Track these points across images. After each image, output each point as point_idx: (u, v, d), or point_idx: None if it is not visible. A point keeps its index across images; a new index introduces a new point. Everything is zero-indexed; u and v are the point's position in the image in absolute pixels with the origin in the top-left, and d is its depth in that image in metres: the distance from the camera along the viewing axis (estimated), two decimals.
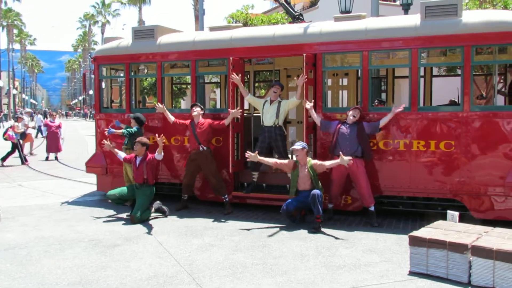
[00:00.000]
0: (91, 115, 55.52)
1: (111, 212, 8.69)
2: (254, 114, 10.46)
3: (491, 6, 12.01)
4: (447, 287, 4.94)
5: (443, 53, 9.18)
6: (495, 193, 7.05)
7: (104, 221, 8.00)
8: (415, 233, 5.48)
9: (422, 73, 9.24)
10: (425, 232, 5.50)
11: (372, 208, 7.53)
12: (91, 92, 41.96)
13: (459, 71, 7.95)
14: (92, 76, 10.31)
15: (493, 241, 5.13)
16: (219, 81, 12.73)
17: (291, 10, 9.52)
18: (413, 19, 7.66)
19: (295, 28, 8.48)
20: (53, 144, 17.46)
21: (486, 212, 7.15)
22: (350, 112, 7.55)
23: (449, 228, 5.59)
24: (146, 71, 11.36)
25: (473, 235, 5.32)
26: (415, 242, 5.35)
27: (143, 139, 8.35)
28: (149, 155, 8.19)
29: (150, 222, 7.86)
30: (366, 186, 7.47)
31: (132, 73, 9.93)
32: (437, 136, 7.41)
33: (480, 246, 4.99)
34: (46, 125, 17.78)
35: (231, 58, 8.35)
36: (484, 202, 7.14)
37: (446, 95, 11.76)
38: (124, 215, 8.35)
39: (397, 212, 8.07)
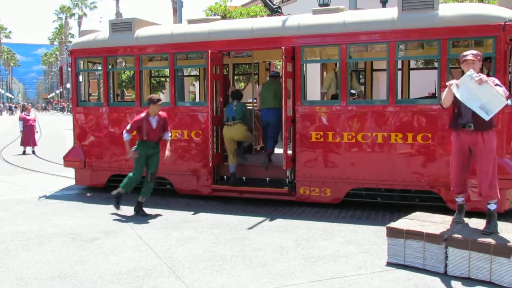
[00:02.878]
0: (69, 109, 54.84)
1: (90, 205, 8.62)
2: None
3: None
4: (424, 277, 5.01)
5: (420, 46, 9.27)
6: (470, 185, 7.15)
7: (82, 215, 7.93)
8: (393, 224, 5.55)
9: (400, 66, 9.34)
10: (402, 223, 5.57)
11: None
12: (68, 85, 41.41)
13: (436, 64, 8.03)
14: (69, 69, 10.18)
15: (469, 231, 5.23)
16: (198, 74, 12.67)
17: (270, 3, 9.51)
18: (390, 13, 7.72)
19: (274, 21, 8.48)
20: (30, 138, 17.21)
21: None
22: None
23: (426, 220, 5.67)
24: (124, 64, 11.26)
25: (449, 226, 5.41)
26: (393, 233, 5.42)
27: (154, 96, 8.08)
28: (161, 114, 8.01)
29: (130, 215, 7.81)
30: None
31: (110, 67, 9.81)
32: (415, 129, 7.50)
33: (456, 237, 5.08)
34: (22, 119, 17.48)
35: (209, 51, 8.32)
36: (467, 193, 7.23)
37: (426, 87, 11.91)
38: (103, 209, 8.29)
39: (375, 204, 8.16)
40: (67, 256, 5.84)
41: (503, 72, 7.08)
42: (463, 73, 5.44)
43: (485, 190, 5.36)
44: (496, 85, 5.24)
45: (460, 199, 5.69)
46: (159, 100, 7.90)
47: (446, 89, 5.40)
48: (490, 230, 5.16)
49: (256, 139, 10.74)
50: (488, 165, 5.33)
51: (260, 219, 7.48)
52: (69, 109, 55.19)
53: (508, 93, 5.38)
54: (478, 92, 5.14)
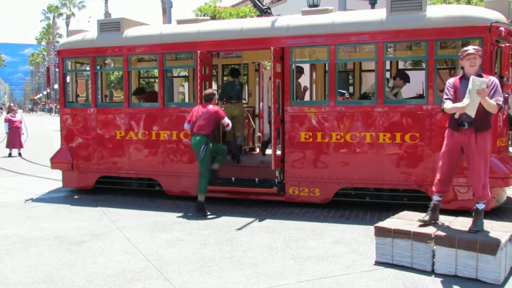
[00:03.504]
0: (56, 110, 54.44)
1: (78, 208, 8.55)
2: (223, 108, 10.42)
3: (455, 1, 12.27)
4: (412, 276, 5.04)
5: (408, 47, 9.33)
6: (458, 184, 7.22)
7: (70, 218, 7.87)
8: (381, 224, 5.58)
9: (388, 67, 9.38)
10: (390, 222, 5.61)
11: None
12: (56, 86, 41.12)
13: (424, 65, 8.08)
14: (57, 70, 10.10)
15: (455, 230, 5.27)
16: (187, 75, 12.63)
17: (259, 4, 9.51)
18: (379, 14, 7.76)
19: (263, 22, 8.49)
20: (16, 140, 17.05)
21: (450, 202, 7.31)
22: None
23: (413, 219, 5.70)
24: (112, 64, 11.20)
25: (436, 225, 5.45)
26: (381, 232, 5.45)
27: (208, 90, 8.21)
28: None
29: (118, 218, 7.77)
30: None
31: (98, 67, 9.77)
32: (403, 129, 7.54)
33: (443, 235, 5.12)
34: (8, 120, 17.30)
35: (198, 51, 8.31)
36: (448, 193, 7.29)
37: (414, 88, 11.97)
38: (91, 211, 8.24)
39: (364, 204, 8.19)
40: (53, 260, 5.78)
41: (489, 73, 7.12)
42: (463, 68, 5.47)
43: (478, 192, 5.38)
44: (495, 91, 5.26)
45: (437, 198, 5.63)
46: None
47: (458, 104, 5.25)
48: (477, 229, 5.20)
49: (245, 139, 10.73)
50: (480, 167, 5.35)
51: (249, 219, 7.47)
52: (56, 110, 54.77)
53: (502, 99, 5.39)
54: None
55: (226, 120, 8.14)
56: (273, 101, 8.00)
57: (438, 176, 5.64)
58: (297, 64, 8.86)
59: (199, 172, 8.01)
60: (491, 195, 5.60)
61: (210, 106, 7.99)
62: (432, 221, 5.51)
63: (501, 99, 5.29)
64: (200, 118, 7.93)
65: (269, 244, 6.21)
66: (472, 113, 5.17)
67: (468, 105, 5.12)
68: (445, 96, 5.47)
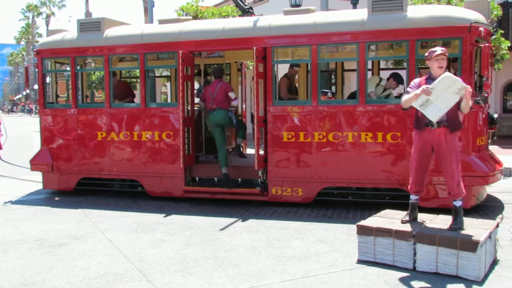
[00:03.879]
0: (37, 111, 53.77)
1: (59, 210, 8.45)
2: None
3: (435, 1, 12.39)
4: (393, 274, 5.08)
5: (390, 46, 9.40)
6: (439, 182, 7.29)
7: (50, 220, 7.76)
8: (363, 222, 5.61)
9: (370, 66, 9.44)
10: (372, 221, 5.64)
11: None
12: (36, 86, 40.62)
13: (405, 65, 8.15)
14: (36, 70, 9.96)
15: (436, 228, 5.32)
16: (169, 75, 12.56)
17: (241, 4, 9.50)
18: (360, 14, 7.80)
19: (245, 22, 8.48)
20: None
21: (431, 200, 7.39)
22: None
23: (395, 217, 5.75)
24: (93, 64, 11.09)
25: (417, 223, 5.50)
26: (363, 231, 5.48)
27: (217, 67, 8.98)
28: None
29: (99, 219, 7.69)
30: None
31: (78, 67, 9.67)
32: (384, 128, 7.60)
33: (424, 233, 5.17)
34: None
35: (180, 51, 8.27)
36: (429, 191, 7.36)
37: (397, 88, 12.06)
38: (72, 213, 8.15)
39: (347, 203, 8.23)
40: (33, 263, 5.69)
41: (469, 72, 7.23)
42: (429, 69, 5.53)
43: (453, 190, 5.45)
44: None
45: (414, 198, 5.71)
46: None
47: (414, 93, 5.32)
48: (457, 226, 5.26)
49: (228, 139, 10.70)
50: (453, 166, 5.41)
51: (232, 220, 7.46)
52: (36, 111, 54.09)
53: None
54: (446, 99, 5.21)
55: (233, 94, 8.68)
56: (255, 101, 8.00)
57: (412, 177, 5.71)
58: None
59: (218, 147, 8.61)
60: (465, 192, 5.67)
61: (219, 83, 8.63)
62: (413, 219, 5.57)
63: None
64: (215, 94, 8.55)
65: (252, 244, 6.20)
66: (439, 112, 5.23)
67: (432, 100, 5.18)
68: (407, 91, 5.57)
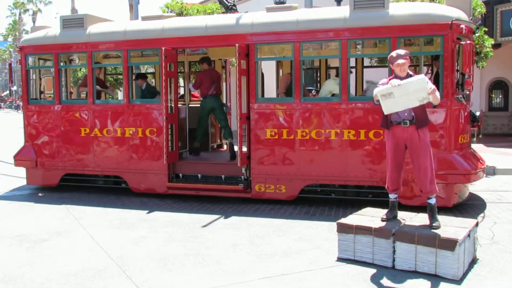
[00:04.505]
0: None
1: (42, 206, 8.40)
2: (190, 105, 10.39)
3: None
4: (372, 272, 5.10)
5: (372, 44, 9.43)
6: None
7: (33, 216, 7.73)
8: (343, 220, 5.63)
9: (353, 64, 9.47)
10: (352, 219, 5.66)
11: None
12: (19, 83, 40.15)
13: (387, 62, 8.17)
14: (19, 66, 9.89)
15: (416, 226, 5.35)
16: (154, 71, 12.51)
17: (224, 1, 9.48)
18: (342, 11, 7.81)
19: (228, 19, 8.46)
20: None
21: (413, 198, 7.43)
22: None
23: (375, 215, 5.77)
24: (77, 61, 11.02)
25: (397, 221, 5.53)
26: (343, 229, 5.50)
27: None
28: None
29: (82, 215, 7.66)
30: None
31: (62, 64, 9.60)
32: (367, 125, 7.62)
33: (404, 231, 5.20)
34: None
35: (163, 48, 8.24)
36: (412, 189, 7.40)
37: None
38: (55, 209, 8.11)
39: (329, 200, 8.26)
40: (13, 258, 5.67)
41: (450, 70, 7.28)
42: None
43: (426, 187, 5.48)
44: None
45: (393, 196, 5.73)
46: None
47: (386, 87, 5.33)
48: (437, 224, 5.28)
49: (212, 136, 10.70)
50: (426, 162, 5.45)
51: (215, 217, 7.46)
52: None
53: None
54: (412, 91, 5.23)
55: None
56: (238, 98, 7.99)
57: (388, 175, 5.74)
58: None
59: (222, 125, 9.68)
60: (438, 190, 5.71)
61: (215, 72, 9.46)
62: (393, 218, 5.60)
63: None
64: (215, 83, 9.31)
65: (233, 241, 6.21)
66: (393, 109, 5.30)
67: (394, 95, 5.22)
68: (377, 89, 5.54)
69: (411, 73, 5.53)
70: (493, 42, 12.30)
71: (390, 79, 5.52)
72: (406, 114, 5.41)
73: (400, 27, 7.38)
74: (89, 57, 9.05)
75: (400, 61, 5.40)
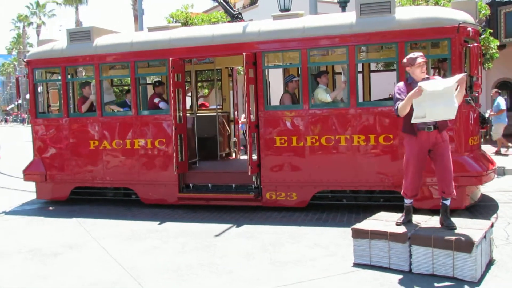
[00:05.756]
0: (29, 120, 53.42)
1: (53, 220, 8.41)
2: (198, 114, 10.40)
3: (423, 2, 12.45)
4: (390, 276, 5.07)
5: (379, 49, 9.42)
6: (432, 183, 7.29)
7: (44, 230, 7.73)
8: (358, 225, 5.60)
9: (360, 69, 9.46)
10: (367, 224, 5.63)
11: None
12: (27, 96, 40.39)
13: (395, 66, 8.16)
14: (26, 80, 9.93)
15: (431, 229, 5.32)
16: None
17: (230, 9, 9.52)
18: (349, 17, 7.82)
19: (234, 28, 8.49)
20: None
21: (425, 201, 7.39)
22: None
23: (389, 219, 5.74)
24: (83, 73, 11.07)
25: (412, 225, 5.49)
26: (358, 234, 5.47)
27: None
28: None
29: (93, 228, 7.65)
30: None
31: (69, 76, 9.65)
32: (377, 130, 7.60)
33: (419, 235, 5.16)
34: None
35: (170, 59, 8.26)
36: (423, 192, 7.36)
37: (387, 89, 12.04)
38: (66, 222, 8.11)
39: (341, 206, 8.22)
40: (27, 272, 5.67)
41: (458, 73, 7.22)
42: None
43: (450, 188, 5.47)
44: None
45: (409, 201, 5.68)
46: None
47: (409, 95, 5.21)
48: (453, 224, 5.26)
49: (221, 145, 10.70)
50: (449, 164, 5.45)
51: (227, 225, 7.44)
52: (29, 120, 53.69)
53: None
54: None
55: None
56: (247, 106, 8.00)
57: (408, 182, 5.64)
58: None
59: None
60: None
61: None
62: (408, 221, 5.57)
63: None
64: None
65: (246, 250, 6.18)
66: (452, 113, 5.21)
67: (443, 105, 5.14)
68: (396, 103, 5.44)
69: (427, 75, 5.51)
70: (498, 44, 12.29)
71: (407, 84, 5.48)
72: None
73: (407, 31, 7.37)
74: (96, 69, 9.09)
75: (420, 60, 5.36)
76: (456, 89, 5.22)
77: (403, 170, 5.83)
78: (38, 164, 9.67)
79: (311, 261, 5.65)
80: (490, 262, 5.33)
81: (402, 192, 5.77)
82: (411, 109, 5.29)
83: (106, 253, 6.31)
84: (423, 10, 7.91)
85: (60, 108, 9.95)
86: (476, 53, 6.98)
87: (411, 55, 5.50)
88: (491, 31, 12.58)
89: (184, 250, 6.28)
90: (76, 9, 50.91)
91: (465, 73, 5.18)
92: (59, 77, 9.58)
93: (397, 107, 5.39)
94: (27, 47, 73.38)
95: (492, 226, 5.49)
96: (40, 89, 10.18)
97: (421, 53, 5.49)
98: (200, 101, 13.68)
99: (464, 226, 5.35)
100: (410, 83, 5.45)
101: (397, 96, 5.48)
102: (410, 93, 5.22)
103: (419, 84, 5.15)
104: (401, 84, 5.59)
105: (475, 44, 7.02)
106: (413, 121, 5.27)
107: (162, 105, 9.04)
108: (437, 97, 5.13)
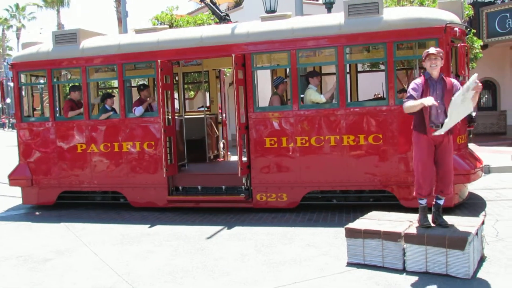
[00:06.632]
0: (10, 125, 52.64)
1: (40, 225, 8.30)
2: (186, 116, 10.37)
3: (408, 3, 12.59)
4: (384, 275, 5.10)
5: (367, 49, 9.48)
6: None
7: (32, 236, 7.62)
8: (351, 225, 5.63)
9: (348, 69, 9.50)
10: (360, 223, 5.66)
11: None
12: (8, 100, 39.79)
13: (383, 67, 8.23)
14: (11, 84, 9.80)
15: (423, 227, 5.37)
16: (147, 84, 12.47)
17: (217, 11, 9.50)
18: (337, 18, 7.86)
19: (223, 29, 8.48)
20: None
21: (415, 200, 7.42)
22: None
23: (382, 218, 5.79)
24: (69, 76, 10.95)
25: (405, 223, 5.54)
26: (351, 233, 5.50)
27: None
28: None
29: (83, 233, 7.57)
30: None
31: (55, 79, 9.54)
32: (366, 130, 7.65)
33: (412, 233, 5.21)
34: None
35: (159, 61, 8.22)
36: (412, 191, 7.41)
37: (374, 89, 12.16)
38: (54, 227, 8.00)
39: (331, 206, 8.26)
40: (18, 280, 5.58)
41: (446, 72, 7.30)
42: (425, 69, 5.57)
43: (449, 188, 5.53)
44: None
45: (424, 201, 5.56)
46: None
47: (420, 102, 5.22)
48: (446, 222, 5.33)
49: (209, 147, 10.67)
50: (451, 164, 5.52)
51: (218, 228, 7.41)
52: (10, 125, 52.92)
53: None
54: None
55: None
56: (236, 108, 7.99)
57: (421, 180, 5.53)
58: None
59: None
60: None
61: None
62: (427, 223, 5.47)
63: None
64: None
65: (240, 251, 6.18)
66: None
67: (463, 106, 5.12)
68: (407, 97, 5.45)
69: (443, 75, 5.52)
70: (482, 43, 12.48)
71: (425, 80, 5.45)
72: (441, 118, 5.37)
73: (394, 32, 7.44)
74: (83, 72, 9.00)
75: (431, 50, 5.36)
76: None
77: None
78: (24, 169, 9.53)
79: (306, 261, 5.66)
80: (482, 259, 5.40)
81: (414, 193, 5.68)
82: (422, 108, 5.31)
83: (98, 258, 6.24)
84: (410, 10, 7.99)
85: (42, 112, 9.83)
86: (463, 53, 7.06)
87: (428, 49, 5.51)
88: (474, 31, 12.76)
89: (178, 253, 6.24)
90: (58, 12, 50.34)
91: (477, 77, 5.12)
92: (45, 80, 9.47)
93: (406, 105, 5.36)
94: (6, 50, 72.29)
95: (483, 223, 5.57)
96: (24, 92, 10.03)
97: (437, 48, 5.52)
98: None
99: (456, 223, 5.42)
100: (427, 79, 5.45)
101: (411, 92, 5.42)
102: (422, 100, 5.20)
103: (431, 100, 5.16)
104: (419, 79, 5.52)
105: (462, 44, 7.11)
106: (437, 133, 5.26)
107: (137, 111, 8.79)
108: (460, 108, 5.12)
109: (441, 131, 5.22)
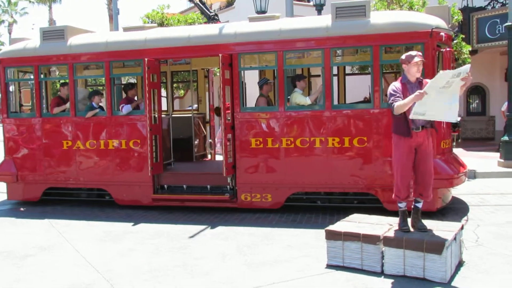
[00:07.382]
0: None
1: (24, 221, 8.27)
2: (173, 115, 10.36)
3: (398, 7, 12.64)
4: (362, 278, 5.13)
5: (354, 52, 9.53)
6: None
7: (16, 231, 7.60)
8: (331, 227, 5.66)
9: (335, 72, 9.54)
10: (340, 225, 5.69)
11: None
12: None
13: (370, 70, 8.27)
14: None
15: (402, 231, 5.40)
16: (135, 82, 12.46)
17: (206, 11, 9.50)
18: (324, 20, 7.89)
19: (210, 29, 8.49)
20: None
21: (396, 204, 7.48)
22: None
23: (363, 221, 5.82)
24: (57, 73, 10.92)
25: (385, 226, 5.57)
26: (331, 235, 5.53)
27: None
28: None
29: (66, 229, 7.56)
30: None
31: (42, 76, 9.51)
32: (351, 133, 7.69)
33: (391, 237, 5.24)
34: None
35: (146, 59, 8.22)
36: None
37: (365, 92, 12.14)
38: (38, 223, 7.98)
39: (315, 208, 8.29)
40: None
41: (431, 77, 7.36)
42: (395, 77, 5.60)
43: (428, 191, 5.56)
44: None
45: (403, 204, 5.58)
46: None
47: (411, 98, 5.12)
48: (425, 226, 5.37)
49: (196, 146, 10.68)
50: (432, 167, 5.55)
51: (202, 227, 7.43)
52: None
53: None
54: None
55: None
56: (223, 108, 8.00)
57: (399, 183, 5.53)
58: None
59: None
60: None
61: None
62: (406, 227, 5.49)
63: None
64: None
65: (222, 251, 6.19)
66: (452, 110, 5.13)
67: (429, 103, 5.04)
68: (392, 98, 5.35)
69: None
70: (470, 49, 12.55)
71: (401, 84, 5.44)
72: (421, 120, 5.34)
73: (381, 35, 7.48)
74: (70, 69, 8.98)
75: (417, 59, 5.35)
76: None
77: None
78: (9, 164, 9.50)
79: (286, 263, 5.68)
80: (460, 264, 5.44)
81: (393, 196, 5.67)
82: (407, 110, 5.24)
83: (79, 255, 6.24)
84: (397, 14, 8.04)
85: (32, 108, 9.80)
86: (449, 58, 7.13)
87: (410, 52, 5.50)
88: (464, 36, 12.84)
89: (159, 252, 6.25)
90: (50, 8, 50.02)
91: (469, 66, 5.06)
92: (32, 76, 9.44)
93: (395, 105, 5.29)
94: None
95: (462, 228, 5.61)
96: (11, 88, 9.99)
97: (419, 53, 5.51)
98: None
99: (435, 228, 5.45)
100: (405, 83, 5.45)
101: (393, 93, 5.37)
102: (412, 96, 5.10)
103: (424, 89, 5.07)
104: (397, 83, 5.50)
105: (448, 49, 7.16)
106: (411, 116, 5.16)
107: (124, 109, 8.80)
108: (440, 94, 5.02)
109: (415, 115, 5.11)
